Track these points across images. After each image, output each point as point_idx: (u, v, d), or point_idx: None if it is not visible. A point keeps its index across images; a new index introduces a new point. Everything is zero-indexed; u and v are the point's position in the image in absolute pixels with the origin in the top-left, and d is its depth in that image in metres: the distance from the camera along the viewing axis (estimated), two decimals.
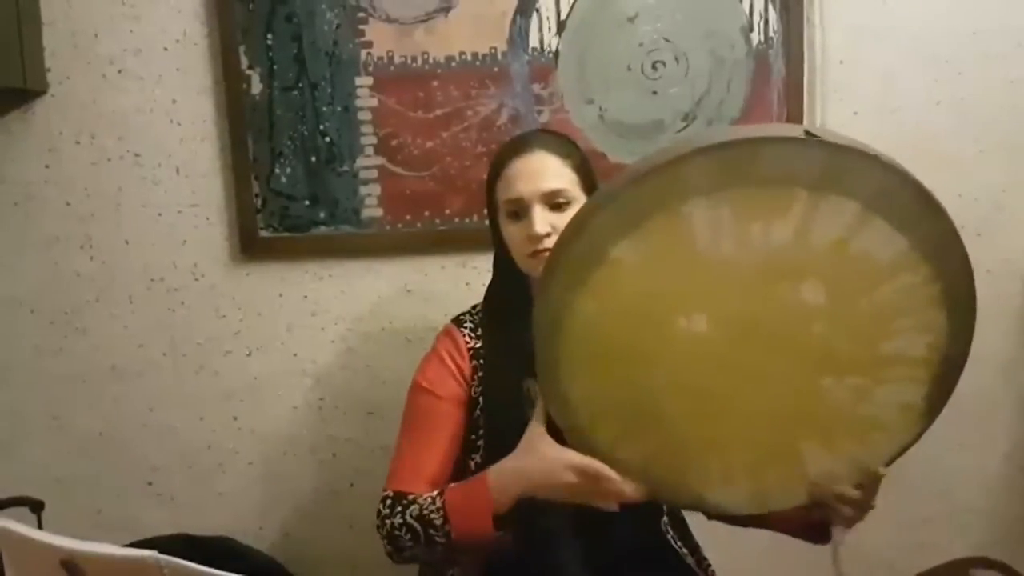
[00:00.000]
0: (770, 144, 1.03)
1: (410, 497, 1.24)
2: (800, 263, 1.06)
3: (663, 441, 1.14)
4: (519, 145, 1.31)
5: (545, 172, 1.27)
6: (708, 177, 1.01)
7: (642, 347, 1.11)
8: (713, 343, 1.10)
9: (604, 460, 1.14)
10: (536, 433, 1.17)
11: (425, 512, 1.20)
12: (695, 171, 1.02)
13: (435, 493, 1.22)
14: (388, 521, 1.24)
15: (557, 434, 1.17)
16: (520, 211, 1.27)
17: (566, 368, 1.13)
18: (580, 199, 1.28)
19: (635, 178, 1.04)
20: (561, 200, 1.26)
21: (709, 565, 1.39)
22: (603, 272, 1.06)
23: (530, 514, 1.19)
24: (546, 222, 1.25)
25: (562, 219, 1.25)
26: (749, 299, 1.08)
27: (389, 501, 1.25)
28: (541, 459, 1.16)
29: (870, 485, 1.16)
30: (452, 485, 1.23)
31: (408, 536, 1.21)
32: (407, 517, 1.21)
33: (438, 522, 1.19)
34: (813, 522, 1.25)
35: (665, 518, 1.38)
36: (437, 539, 1.19)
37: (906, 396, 1.13)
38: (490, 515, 1.17)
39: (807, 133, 1.02)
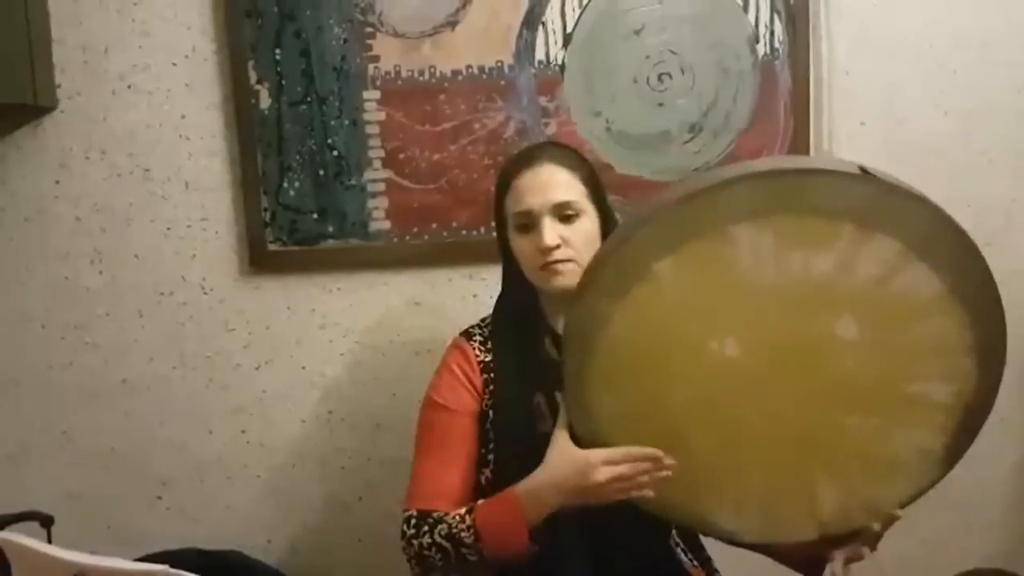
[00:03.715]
0: (821, 176, 1.03)
1: (435, 516, 1.22)
2: (837, 295, 1.06)
3: (681, 462, 1.14)
4: (528, 158, 1.31)
5: (555, 184, 1.27)
6: (756, 202, 1.02)
7: (671, 366, 1.11)
8: (741, 370, 1.09)
9: None
10: (561, 439, 1.17)
11: (455, 531, 1.19)
12: (744, 195, 1.02)
13: (463, 511, 1.21)
14: (416, 542, 1.22)
15: (576, 443, 1.17)
16: (530, 224, 1.27)
17: (593, 378, 1.13)
18: (589, 211, 1.28)
19: (684, 196, 1.04)
20: (570, 212, 1.26)
21: None
22: (643, 287, 1.06)
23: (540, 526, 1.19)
24: (556, 234, 1.24)
25: (572, 231, 1.25)
26: (782, 327, 1.08)
27: (414, 521, 1.24)
28: (572, 462, 1.15)
29: (883, 526, 1.16)
30: (480, 503, 1.22)
31: (439, 556, 1.20)
32: (436, 537, 1.20)
33: (469, 541, 1.18)
34: (809, 557, 1.25)
35: (674, 531, 1.37)
36: (469, 557, 1.19)
37: (926, 441, 1.13)
38: (525, 530, 1.16)
39: (861, 169, 1.02)
